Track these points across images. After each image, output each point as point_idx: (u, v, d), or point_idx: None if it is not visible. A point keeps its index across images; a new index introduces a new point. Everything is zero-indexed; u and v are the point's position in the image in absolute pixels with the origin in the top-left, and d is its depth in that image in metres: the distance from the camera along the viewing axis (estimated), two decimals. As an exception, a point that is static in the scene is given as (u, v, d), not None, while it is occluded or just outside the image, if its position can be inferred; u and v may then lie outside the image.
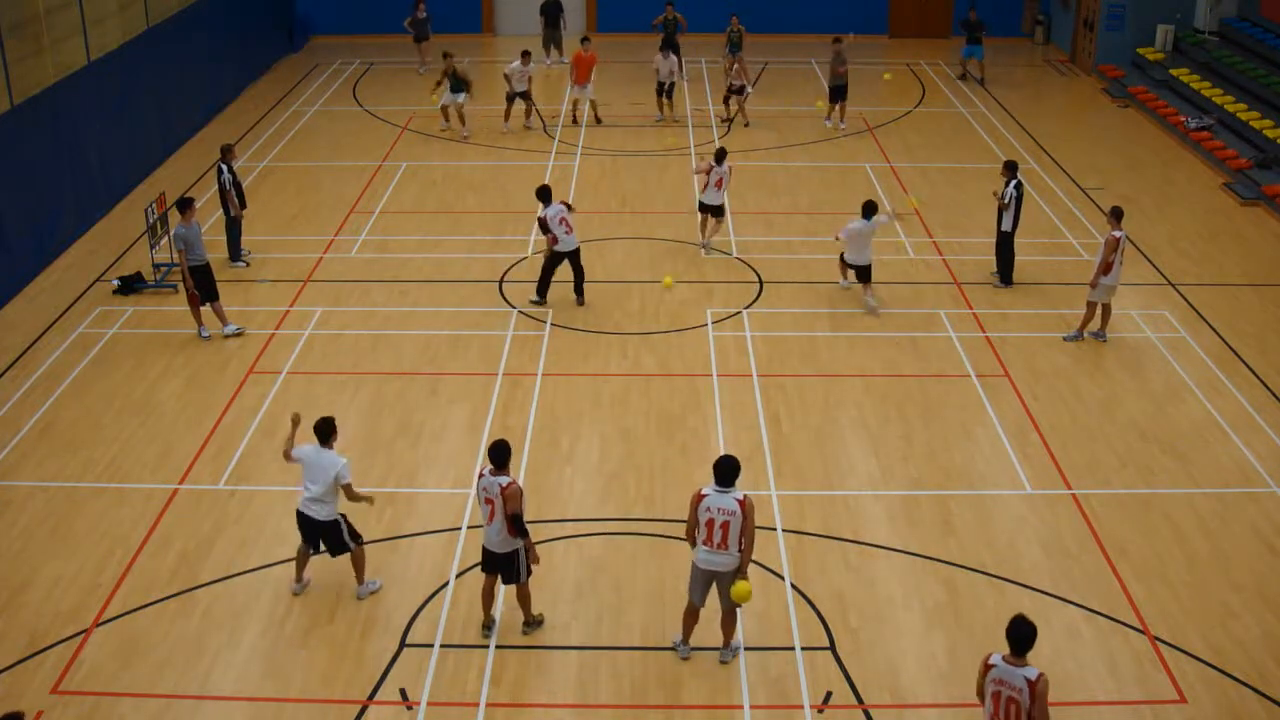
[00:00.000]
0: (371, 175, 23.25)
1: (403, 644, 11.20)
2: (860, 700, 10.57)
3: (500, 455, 10.77)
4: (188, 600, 11.77)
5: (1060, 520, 13.04)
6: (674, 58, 26.35)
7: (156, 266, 18.45)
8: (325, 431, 11.47)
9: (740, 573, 10.55)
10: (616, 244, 20.15)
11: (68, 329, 17.13)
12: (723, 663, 10.93)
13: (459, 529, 12.79)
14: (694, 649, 11.05)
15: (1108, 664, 10.97)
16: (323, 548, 11.67)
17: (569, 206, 17.47)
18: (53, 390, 15.51)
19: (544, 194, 17.34)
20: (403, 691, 10.66)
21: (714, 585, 10.73)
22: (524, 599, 11.23)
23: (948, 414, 15.04)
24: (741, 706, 10.53)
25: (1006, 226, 18.07)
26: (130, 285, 18.19)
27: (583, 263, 17.67)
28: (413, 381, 15.74)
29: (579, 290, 17.71)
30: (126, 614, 11.58)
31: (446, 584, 11.96)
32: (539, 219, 17.25)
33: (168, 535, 12.74)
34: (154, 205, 18.56)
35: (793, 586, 11.93)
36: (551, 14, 30.88)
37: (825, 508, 13.21)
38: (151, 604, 11.71)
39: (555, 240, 17.17)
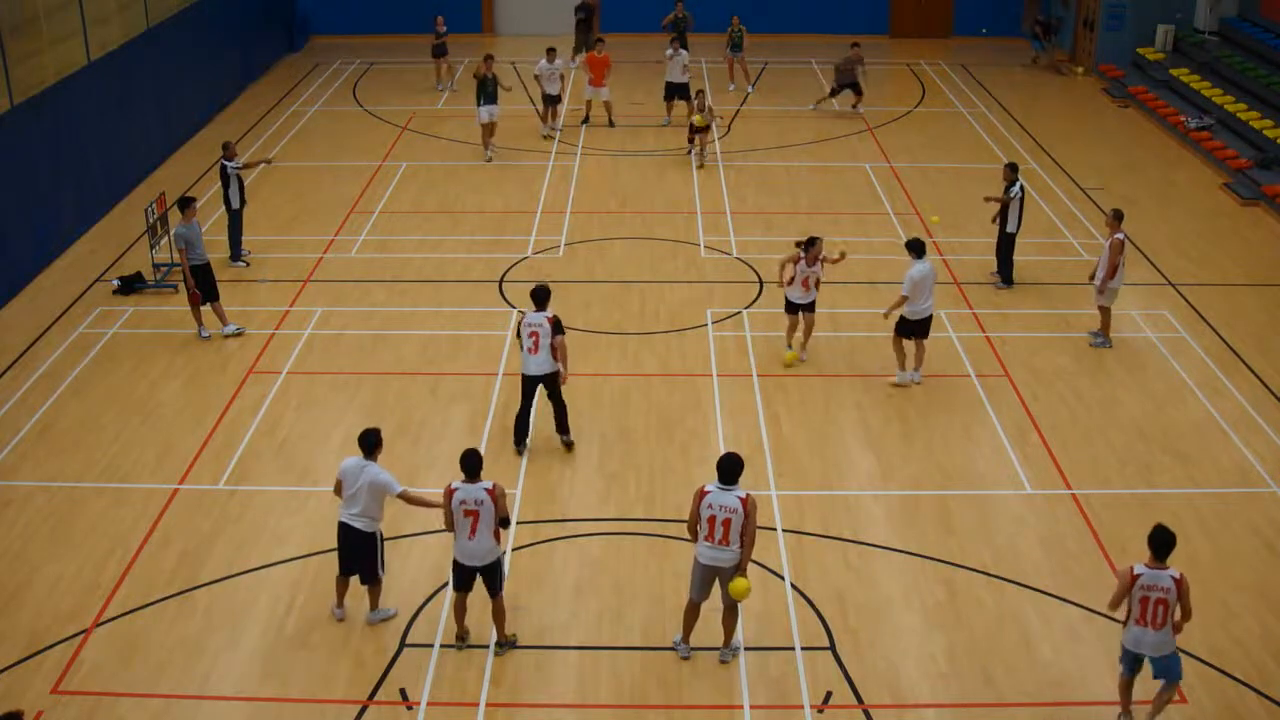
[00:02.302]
0: (371, 175, 23.25)
1: (403, 644, 11.20)
2: (860, 700, 10.57)
3: (474, 465, 10.69)
4: (188, 600, 11.77)
5: (1060, 520, 13.03)
6: (684, 53, 26.13)
7: (156, 266, 18.45)
8: (371, 443, 11.09)
9: (740, 570, 10.56)
10: (616, 244, 20.15)
11: (68, 329, 17.13)
12: (723, 662, 10.93)
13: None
14: (694, 649, 11.05)
15: (1108, 664, 10.95)
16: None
17: (558, 324, 13.71)
18: (53, 390, 15.51)
19: (537, 296, 13.92)
20: (403, 691, 10.66)
21: (716, 582, 10.74)
22: (500, 615, 10.97)
23: (948, 414, 15.04)
24: (741, 706, 10.53)
25: (1011, 228, 18.03)
26: (130, 285, 18.19)
27: (562, 394, 14.06)
28: (413, 381, 15.74)
29: (561, 426, 14.18)
30: (126, 614, 11.58)
31: (446, 584, 11.93)
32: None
33: (168, 535, 12.73)
34: (154, 205, 18.56)
35: (793, 586, 11.93)
36: (584, 20, 30.42)
37: (825, 508, 13.21)
38: (151, 604, 11.71)
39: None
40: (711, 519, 10.46)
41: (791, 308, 15.94)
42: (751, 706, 10.52)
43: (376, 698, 10.60)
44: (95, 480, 13.70)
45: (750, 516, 10.42)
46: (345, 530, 11.16)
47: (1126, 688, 10.31)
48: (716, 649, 11.03)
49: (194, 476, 13.75)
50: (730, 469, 10.52)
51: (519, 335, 13.79)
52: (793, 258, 15.66)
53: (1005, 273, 18.37)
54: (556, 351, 13.68)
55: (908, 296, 15.15)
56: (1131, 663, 10.19)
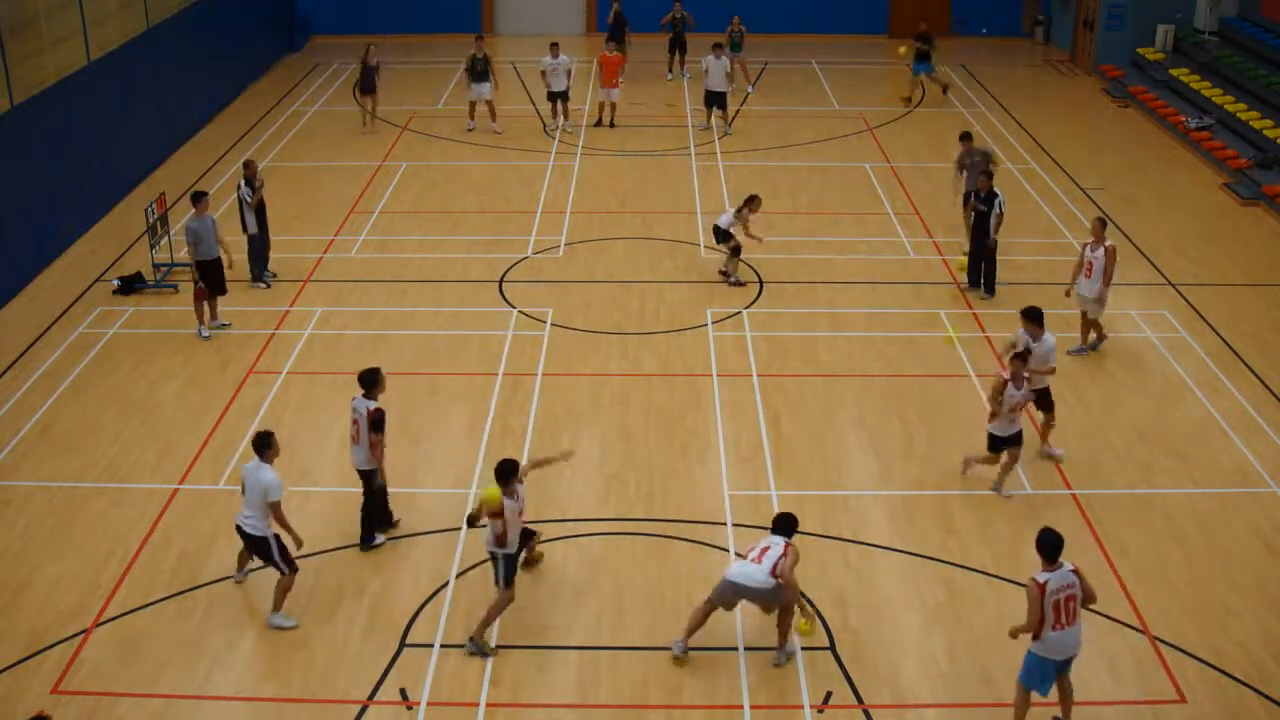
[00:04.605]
0: (371, 175, 23.25)
1: (403, 644, 11.20)
2: (860, 700, 10.58)
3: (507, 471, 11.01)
4: (188, 600, 11.77)
5: (1060, 520, 13.02)
6: (724, 60, 25.45)
7: (156, 266, 18.45)
8: (261, 445, 11.24)
9: (804, 612, 11.04)
10: (616, 244, 20.15)
11: (68, 329, 17.13)
12: (776, 665, 10.92)
13: (459, 529, 12.78)
14: (693, 649, 11.05)
15: (1108, 664, 10.96)
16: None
17: (377, 421, 11.99)
18: (53, 390, 15.51)
19: (363, 380, 12.23)
20: (403, 691, 10.66)
21: (737, 600, 10.95)
22: (493, 610, 11.00)
23: (948, 414, 15.04)
24: (741, 706, 10.53)
25: (994, 235, 17.81)
26: (130, 285, 18.19)
27: (381, 488, 12.43)
28: (412, 381, 15.73)
29: (364, 525, 12.45)
30: (126, 614, 11.58)
31: (446, 584, 11.96)
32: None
33: (168, 535, 12.73)
34: (154, 205, 18.53)
35: (793, 586, 11.92)
36: (618, 31, 29.24)
37: (825, 508, 13.20)
38: (151, 604, 11.71)
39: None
40: (753, 546, 10.93)
41: (997, 444, 13.12)
42: (751, 706, 10.53)
43: (376, 698, 10.60)
44: (95, 480, 13.70)
45: (787, 557, 10.72)
46: (240, 532, 11.38)
47: (1026, 705, 10.02)
48: (717, 649, 11.07)
49: (194, 476, 13.75)
50: (782, 524, 11.03)
51: (360, 421, 12.15)
52: (999, 386, 12.92)
53: (990, 282, 18.11)
54: (375, 450, 12.08)
55: (1055, 369, 13.74)
56: (1050, 676, 9.90)
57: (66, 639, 11.23)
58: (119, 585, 11.96)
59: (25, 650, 11.09)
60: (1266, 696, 10.64)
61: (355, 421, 12.17)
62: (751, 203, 18.17)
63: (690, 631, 11.00)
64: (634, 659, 11.04)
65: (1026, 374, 12.95)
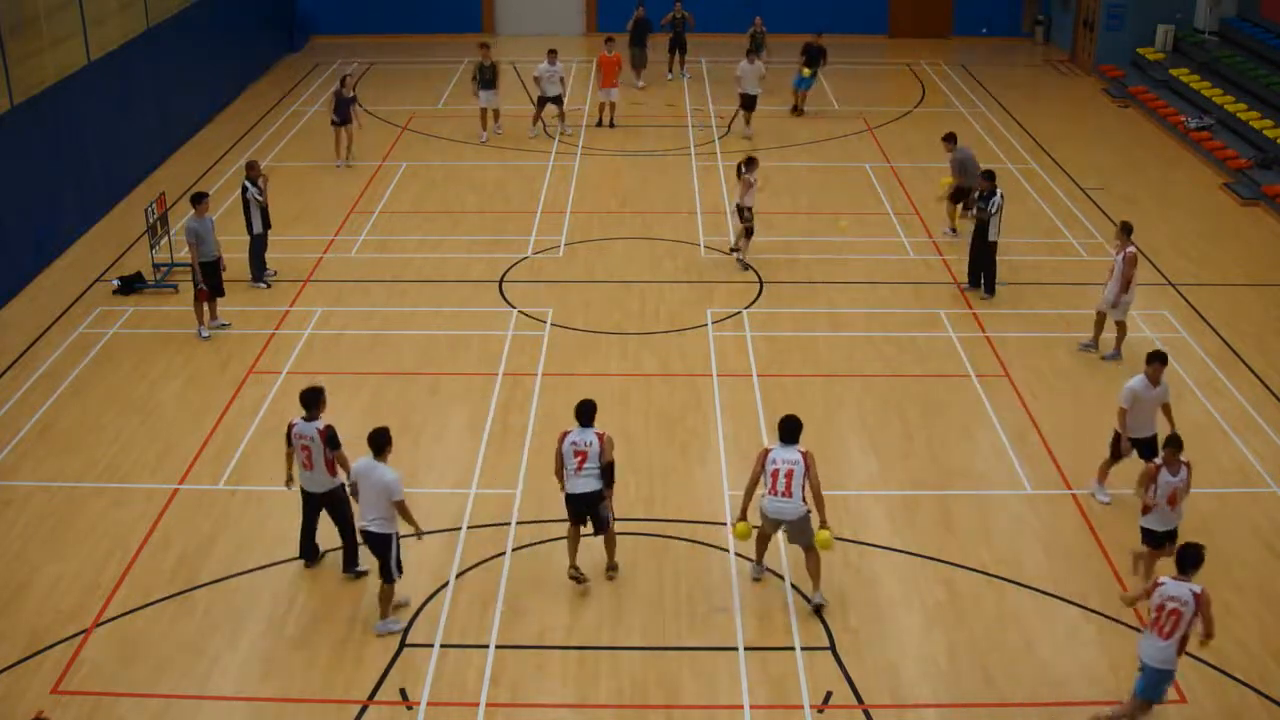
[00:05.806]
0: (371, 175, 23.25)
1: (403, 644, 11.20)
2: (860, 700, 10.57)
3: (589, 412, 11.76)
4: (187, 600, 11.77)
5: (1060, 520, 13.03)
6: (759, 64, 25.37)
7: (156, 266, 18.44)
8: (381, 443, 11.02)
9: (823, 523, 11.32)
10: (616, 244, 20.15)
11: (68, 329, 17.13)
12: (817, 605, 11.47)
13: (459, 529, 12.79)
14: (693, 649, 11.06)
15: (1108, 664, 10.96)
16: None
17: (332, 438, 11.63)
18: (53, 390, 15.51)
19: (305, 400, 11.73)
20: (403, 691, 10.66)
21: (782, 531, 11.61)
22: (609, 545, 11.93)
23: (948, 414, 15.04)
24: (741, 706, 10.53)
25: (994, 236, 17.76)
26: (130, 285, 18.19)
27: (352, 516, 11.77)
28: (413, 381, 15.74)
29: (349, 558, 12.01)
30: (126, 614, 11.58)
31: (446, 584, 11.96)
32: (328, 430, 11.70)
33: (168, 535, 12.73)
34: (154, 205, 18.52)
35: (792, 586, 11.93)
36: (639, 35, 29.11)
37: (825, 507, 13.18)
38: (151, 604, 11.71)
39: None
40: (775, 473, 11.28)
41: (1156, 539, 11.62)
42: (751, 706, 10.53)
43: (376, 698, 10.60)
44: (95, 480, 13.70)
45: (811, 467, 11.26)
46: (363, 534, 11.26)
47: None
48: (718, 648, 11.09)
49: (194, 476, 13.75)
50: (790, 428, 11.39)
51: (289, 443, 11.77)
52: (1151, 473, 11.48)
53: (990, 282, 18.07)
54: (333, 466, 11.68)
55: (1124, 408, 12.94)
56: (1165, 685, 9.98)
57: (66, 639, 11.23)
58: (119, 585, 11.96)
59: (25, 650, 11.09)
60: (1266, 696, 10.64)
61: (305, 448, 11.60)
62: (750, 165, 19.09)
63: (761, 556, 11.92)
64: (634, 659, 11.04)
65: (1184, 459, 11.47)
